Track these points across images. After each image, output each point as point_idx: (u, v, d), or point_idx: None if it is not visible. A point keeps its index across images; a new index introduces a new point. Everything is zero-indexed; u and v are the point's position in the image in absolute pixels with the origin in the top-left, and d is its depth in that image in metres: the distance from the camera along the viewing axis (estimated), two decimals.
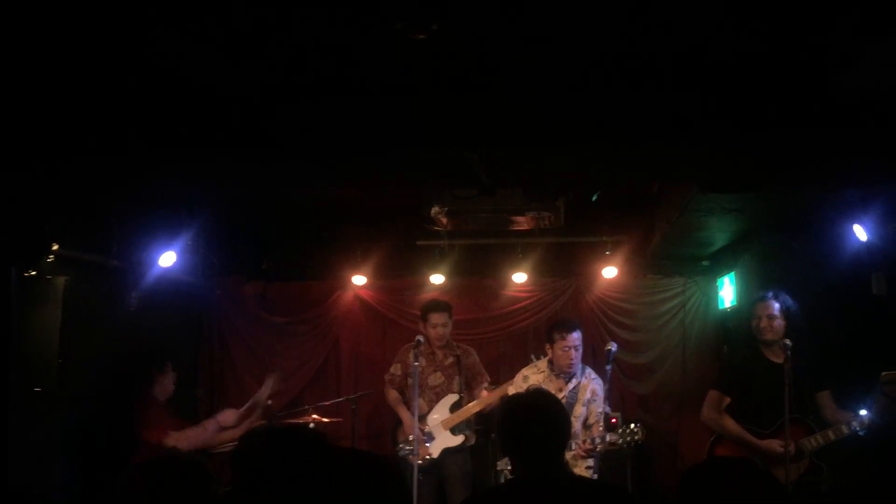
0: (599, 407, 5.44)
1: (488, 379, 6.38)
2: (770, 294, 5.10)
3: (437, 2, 2.96)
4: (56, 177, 4.54)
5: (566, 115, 3.94)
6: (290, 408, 7.09)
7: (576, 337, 5.51)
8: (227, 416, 5.45)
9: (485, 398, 6.05)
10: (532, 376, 5.68)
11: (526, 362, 7.57)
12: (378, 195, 6.08)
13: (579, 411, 5.49)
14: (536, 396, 3.08)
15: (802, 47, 3.37)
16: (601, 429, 5.30)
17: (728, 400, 5.16)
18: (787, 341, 4.82)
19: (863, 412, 4.77)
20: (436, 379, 6.12)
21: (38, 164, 4.30)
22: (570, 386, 5.52)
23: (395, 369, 6.26)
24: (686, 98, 3.81)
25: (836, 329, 5.42)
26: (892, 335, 5.07)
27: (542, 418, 2.87)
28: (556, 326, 5.67)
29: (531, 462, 2.81)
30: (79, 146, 4.12)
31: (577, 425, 5.41)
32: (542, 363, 5.73)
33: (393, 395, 6.25)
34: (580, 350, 5.56)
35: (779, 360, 4.90)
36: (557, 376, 5.58)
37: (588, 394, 5.52)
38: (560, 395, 5.38)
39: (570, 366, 5.48)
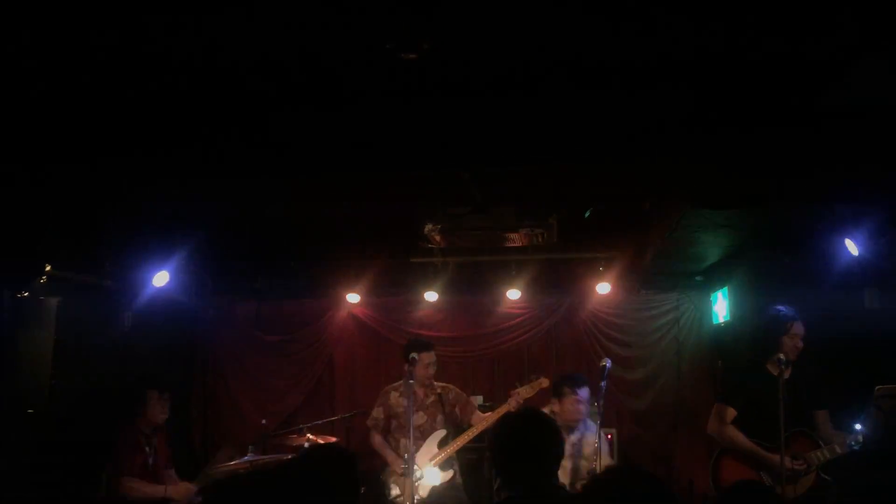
0: (605, 460, 5.48)
1: (475, 407, 6.29)
2: (798, 314, 5.11)
3: (428, 22, 2.98)
4: (48, 196, 4.53)
5: (558, 133, 3.95)
6: (284, 427, 7.05)
7: (587, 391, 5.53)
8: (181, 490, 5.40)
9: (482, 421, 5.97)
10: None
11: (521, 380, 7.63)
12: (372, 213, 6.07)
13: (585, 466, 5.47)
14: (530, 414, 3.08)
15: (794, 61, 3.39)
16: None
17: (734, 413, 5.14)
18: (781, 356, 4.82)
19: (857, 426, 4.77)
20: (419, 419, 5.96)
21: (30, 183, 4.30)
22: (573, 438, 5.49)
23: (377, 413, 6.14)
24: (677, 114, 3.83)
25: (829, 344, 5.43)
26: (885, 349, 5.08)
27: (537, 434, 2.87)
28: (567, 381, 5.66)
29: (526, 478, 2.80)
30: (70, 165, 4.12)
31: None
32: None
33: (377, 439, 6.13)
34: (587, 405, 5.58)
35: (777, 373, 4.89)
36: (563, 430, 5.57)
37: (588, 448, 5.53)
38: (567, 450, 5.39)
39: (578, 421, 5.50)
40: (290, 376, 7.79)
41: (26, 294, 5.22)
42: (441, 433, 6.00)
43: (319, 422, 6.78)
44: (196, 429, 7.51)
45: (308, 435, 6.50)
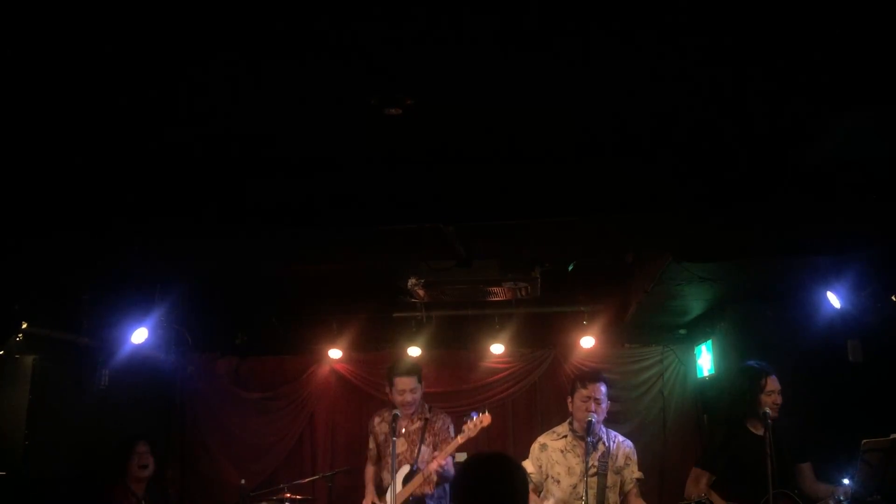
0: (636, 472, 5.13)
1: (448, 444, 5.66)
2: (771, 367, 4.98)
3: (412, 77, 3.00)
4: (26, 255, 4.48)
5: (541, 189, 3.96)
6: (263, 487, 6.90)
7: (598, 388, 5.08)
8: None
9: (434, 462, 5.47)
10: (550, 443, 5.21)
11: (505, 435, 7.55)
12: (354, 268, 6.05)
13: (612, 480, 5.05)
14: (493, 458, 2.95)
15: (770, 120, 3.44)
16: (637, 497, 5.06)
17: (713, 477, 5.05)
18: (767, 410, 4.78)
19: (845, 481, 4.71)
20: (399, 446, 5.56)
21: (7, 242, 4.25)
22: (598, 454, 5.05)
23: (370, 442, 5.89)
24: (658, 171, 3.86)
25: (813, 397, 5.41)
26: (869, 402, 5.07)
27: (496, 481, 2.75)
28: (580, 377, 5.32)
29: None
30: (49, 225, 4.08)
31: (612, 497, 5.02)
32: (563, 427, 5.27)
33: (368, 472, 5.88)
34: (603, 405, 5.09)
35: (759, 432, 4.83)
36: (579, 439, 5.10)
37: (621, 460, 5.11)
38: (591, 465, 4.98)
39: (586, 419, 5.01)
40: (271, 434, 7.64)
41: (1, 352, 5.13)
42: (407, 468, 5.55)
43: (300, 481, 6.65)
44: (173, 490, 7.32)
45: (288, 494, 6.37)
